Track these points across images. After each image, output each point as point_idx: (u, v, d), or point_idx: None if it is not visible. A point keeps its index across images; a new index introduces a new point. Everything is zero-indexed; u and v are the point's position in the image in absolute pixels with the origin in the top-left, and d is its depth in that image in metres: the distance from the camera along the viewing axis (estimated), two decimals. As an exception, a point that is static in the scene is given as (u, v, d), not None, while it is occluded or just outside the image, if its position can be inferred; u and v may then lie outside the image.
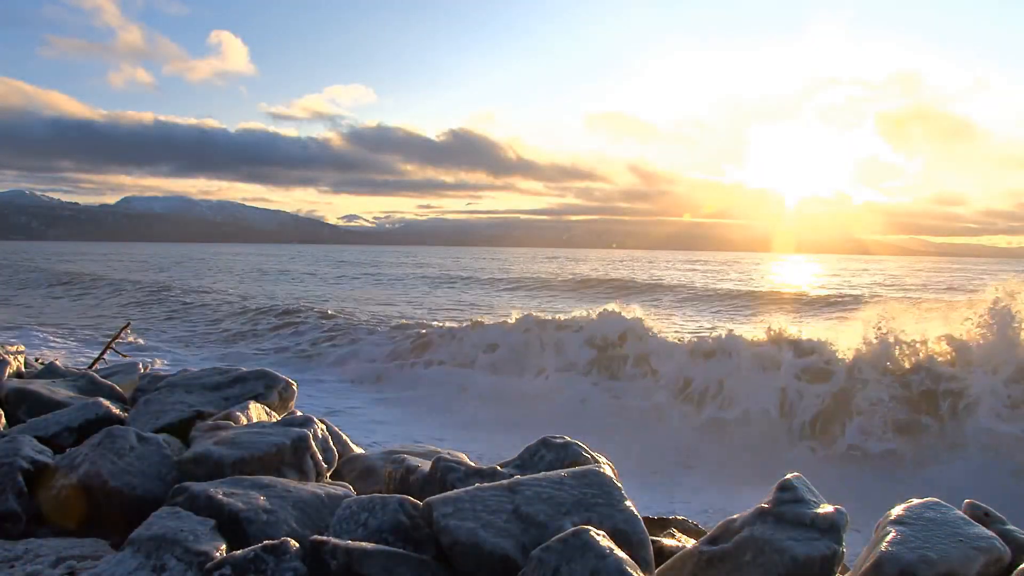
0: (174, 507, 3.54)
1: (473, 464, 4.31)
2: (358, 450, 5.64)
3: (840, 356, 12.50)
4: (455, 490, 3.51)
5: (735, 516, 3.57)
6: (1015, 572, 3.04)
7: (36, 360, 8.59)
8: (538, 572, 2.82)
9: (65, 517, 4.05)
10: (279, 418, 5.38)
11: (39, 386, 6.03)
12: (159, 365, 16.49)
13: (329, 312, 26.61)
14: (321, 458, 4.58)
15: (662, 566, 3.52)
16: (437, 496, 3.42)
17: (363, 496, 3.59)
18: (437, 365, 17.31)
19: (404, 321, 23.93)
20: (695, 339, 15.59)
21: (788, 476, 3.66)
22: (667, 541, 4.09)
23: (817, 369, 12.51)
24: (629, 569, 2.78)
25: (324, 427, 4.96)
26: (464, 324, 19.84)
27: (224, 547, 3.27)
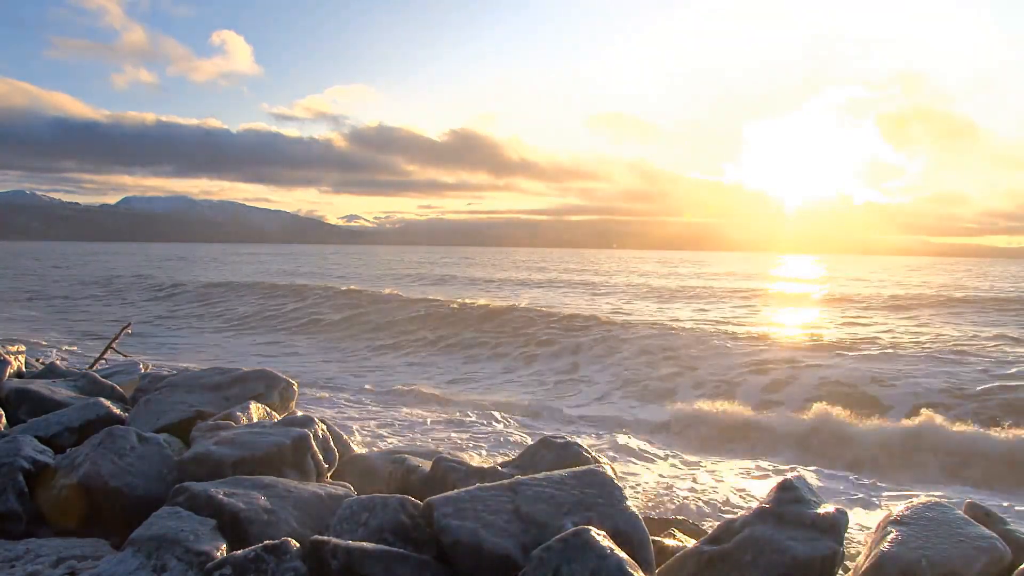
0: (175, 507, 3.53)
1: (474, 464, 4.32)
2: (359, 450, 5.64)
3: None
4: (456, 490, 3.51)
5: (735, 516, 3.58)
6: (1015, 572, 3.04)
7: (37, 360, 8.59)
8: (539, 572, 2.82)
9: (66, 517, 4.04)
10: (279, 418, 5.38)
11: (40, 386, 6.03)
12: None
13: None
14: (322, 458, 4.57)
15: (663, 566, 3.52)
16: (438, 496, 3.41)
17: (364, 496, 3.59)
18: None
19: None
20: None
21: (789, 476, 3.66)
22: (668, 541, 4.09)
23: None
24: (630, 569, 2.78)
25: (324, 427, 4.96)
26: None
27: (225, 547, 3.27)
